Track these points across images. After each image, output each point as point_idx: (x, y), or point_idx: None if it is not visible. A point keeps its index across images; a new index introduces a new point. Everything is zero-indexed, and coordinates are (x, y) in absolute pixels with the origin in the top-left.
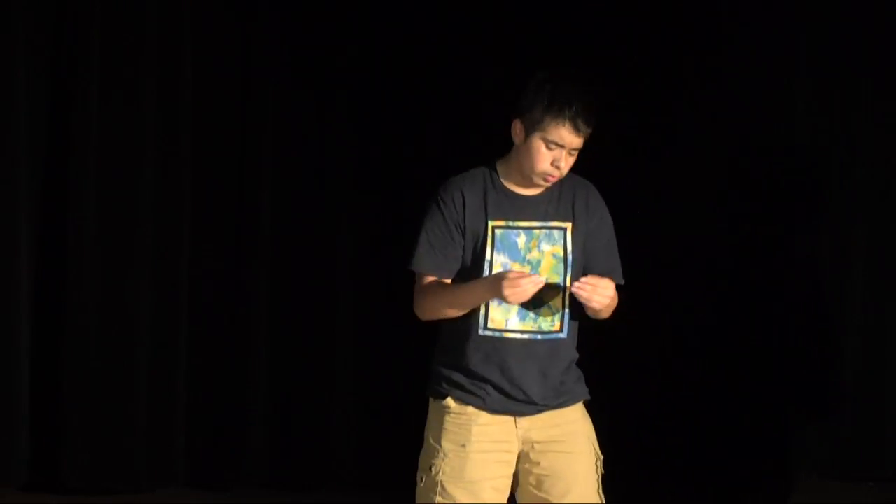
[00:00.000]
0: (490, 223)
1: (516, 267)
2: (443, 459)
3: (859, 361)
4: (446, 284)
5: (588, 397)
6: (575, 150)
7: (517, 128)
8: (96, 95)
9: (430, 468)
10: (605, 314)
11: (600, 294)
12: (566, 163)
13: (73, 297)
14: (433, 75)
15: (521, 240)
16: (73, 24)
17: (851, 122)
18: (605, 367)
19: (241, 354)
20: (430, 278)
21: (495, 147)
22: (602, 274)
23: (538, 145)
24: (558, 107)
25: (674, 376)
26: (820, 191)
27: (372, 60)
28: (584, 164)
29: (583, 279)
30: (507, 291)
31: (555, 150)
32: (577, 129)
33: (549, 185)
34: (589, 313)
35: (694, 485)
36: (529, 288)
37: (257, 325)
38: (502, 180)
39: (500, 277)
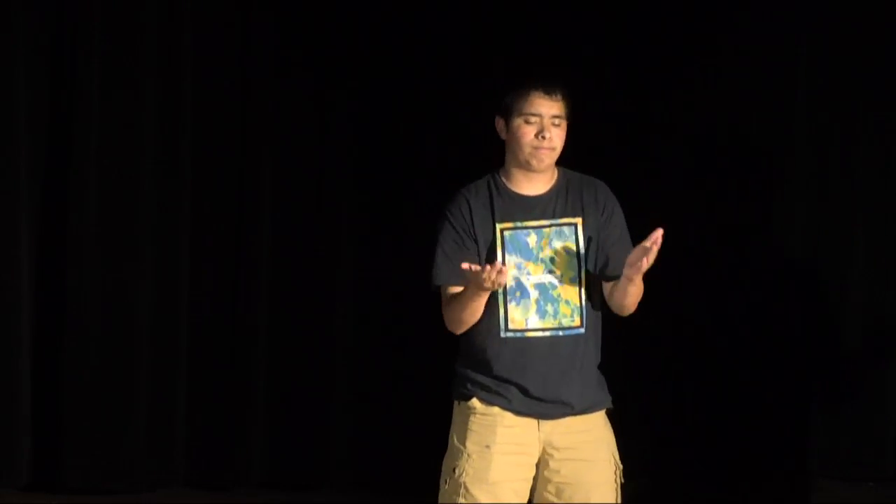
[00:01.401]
0: (498, 226)
1: (530, 266)
2: (466, 460)
3: (859, 361)
4: (455, 298)
5: (610, 406)
6: (557, 118)
7: (500, 124)
8: (96, 95)
9: (454, 470)
10: (633, 302)
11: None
12: (552, 133)
13: (73, 297)
14: (434, 75)
15: (532, 239)
16: (73, 23)
17: (851, 122)
18: (611, 366)
19: (241, 354)
20: (453, 290)
21: (496, 146)
22: (621, 267)
23: (519, 125)
24: (524, 82)
25: (675, 376)
26: (820, 189)
27: (372, 60)
28: (585, 163)
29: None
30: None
31: (535, 123)
32: (546, 93)
33: (545, 163)
34: (617, 300)
35: (703, 484)
36: (495, 276)
37: (257, 324)
38: (506, 183)
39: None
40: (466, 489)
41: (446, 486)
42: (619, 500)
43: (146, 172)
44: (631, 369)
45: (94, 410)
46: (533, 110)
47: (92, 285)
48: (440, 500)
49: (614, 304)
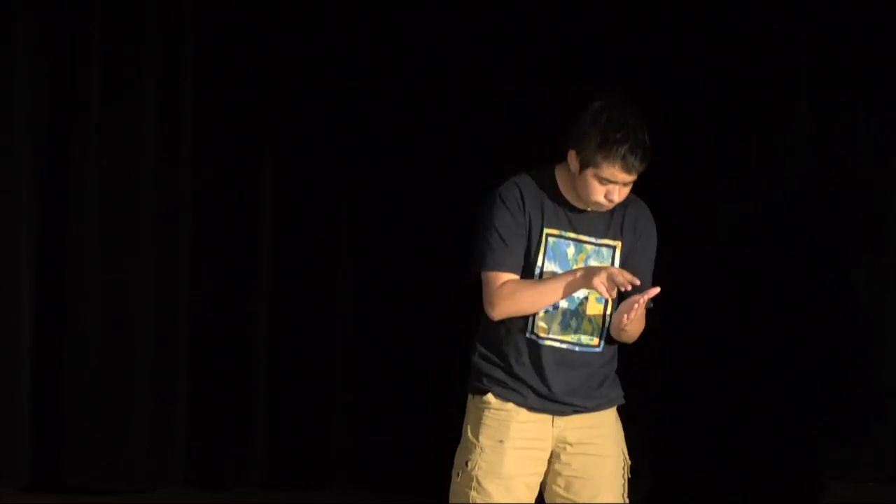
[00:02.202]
0: (545, 230)
1: None
2: (479, 454)
3: (860, 361)
4: (529, 282)
5: (623, 401)
6: (629, 183)
7: (572, 157)
8: (96, 96)
9: (467, 463)
10: (629, 338)
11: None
12: (619, 195)
13: (73, 298)
14: (434, 76)
15: (571, 251)
16: (73, 24)
17: (851, 122)
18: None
19: (241, 354)
20: (506, 277)
21: (497, 147)
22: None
23: (591, 180)
24: (610, 147)
25: (676, 376)
26: (821, 191)
27: (373, 61)
28: None
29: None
30: (596, 280)
31: (608, 185)
32: (628, 169)
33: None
34: (619, 337)
35: (705, 485)
36: (620, 280)
37: (257, 324)
38: (560, 188)
39: (597, 270)
40: (479, 483)
41: (458, 479)
42: (627, 496)
43: (146, 173)
44: (632, 369)
45: (94, 410)
46: (610, 178)
47: (92, 285)
48: (451, 492)
49: (613, 330)
